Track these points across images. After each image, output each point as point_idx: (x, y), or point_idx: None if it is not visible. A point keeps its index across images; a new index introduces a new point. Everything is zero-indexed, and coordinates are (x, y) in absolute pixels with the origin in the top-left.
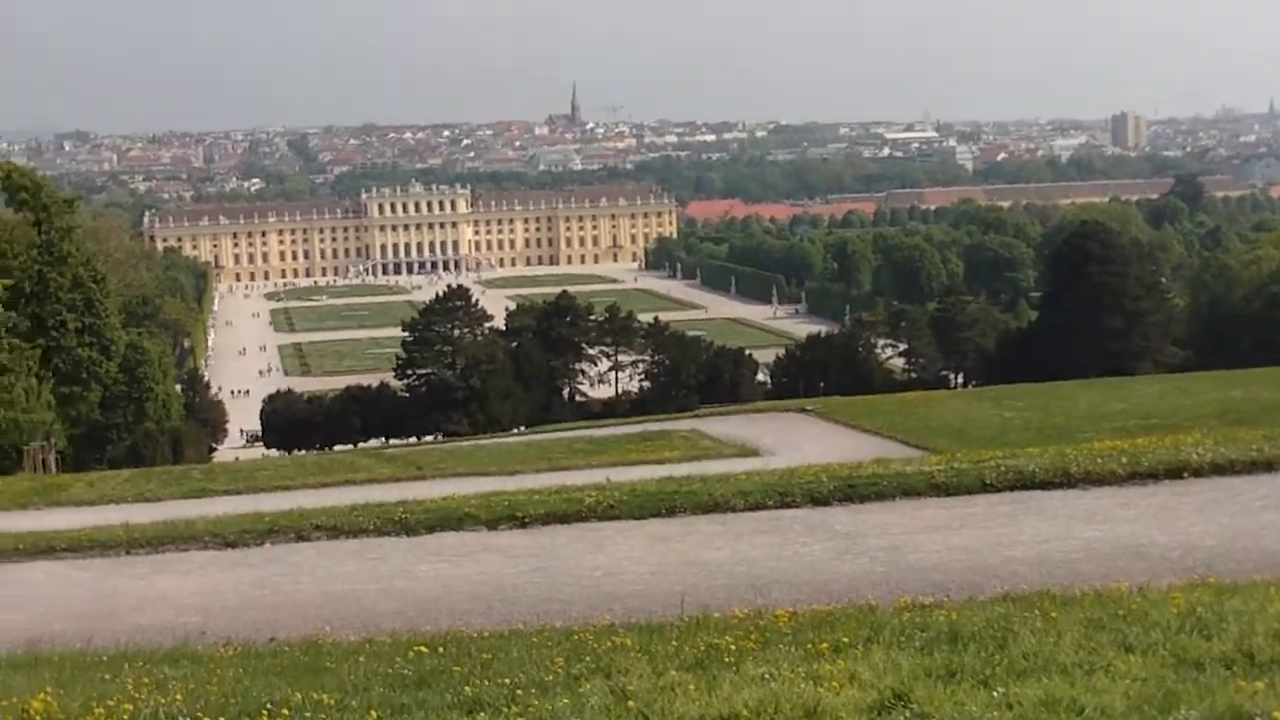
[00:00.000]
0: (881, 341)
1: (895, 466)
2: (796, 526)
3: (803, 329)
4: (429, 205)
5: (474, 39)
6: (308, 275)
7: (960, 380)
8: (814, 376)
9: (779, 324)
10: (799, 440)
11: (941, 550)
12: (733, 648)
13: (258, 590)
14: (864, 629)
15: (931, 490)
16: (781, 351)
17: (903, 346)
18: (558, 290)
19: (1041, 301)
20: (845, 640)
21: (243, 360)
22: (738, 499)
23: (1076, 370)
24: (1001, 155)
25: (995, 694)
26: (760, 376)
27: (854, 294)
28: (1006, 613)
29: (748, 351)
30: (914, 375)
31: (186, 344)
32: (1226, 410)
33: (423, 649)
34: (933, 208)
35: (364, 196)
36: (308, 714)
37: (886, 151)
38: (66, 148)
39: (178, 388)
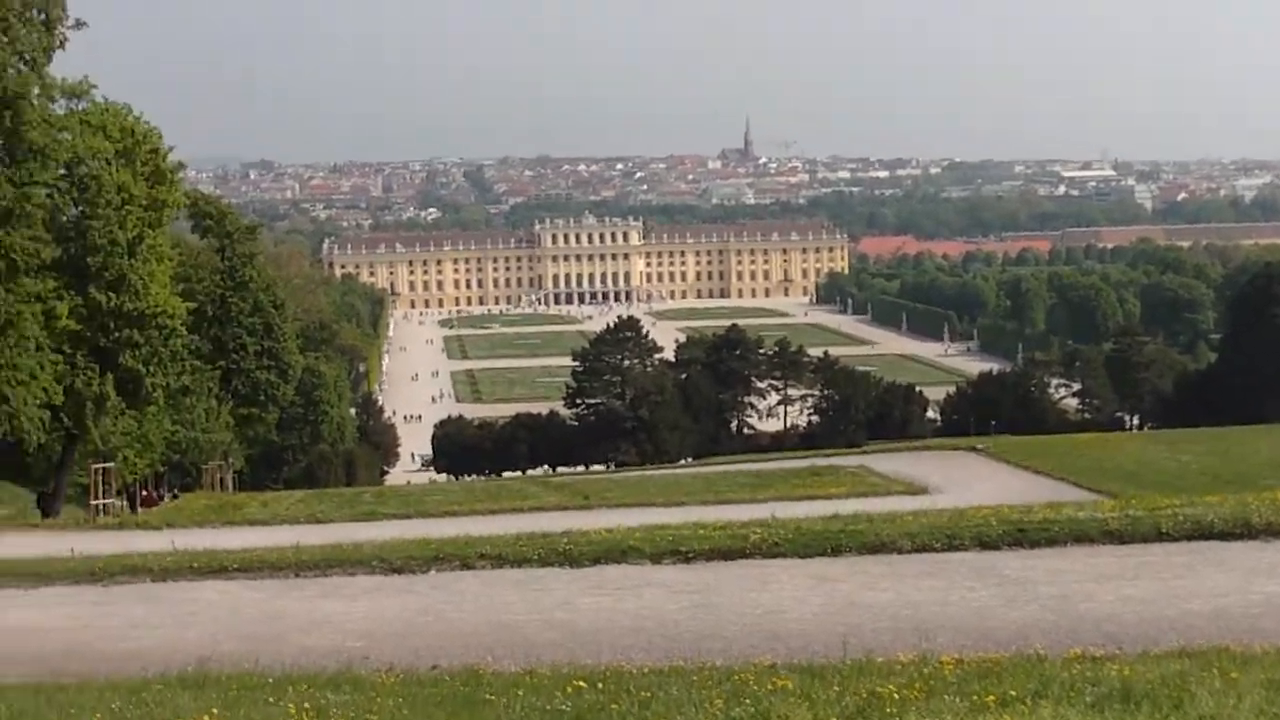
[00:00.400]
0: (1055, 381)
1: (1067, 511)
2: (964, 570)
3: (974, 366)
4: (601, 237)
5: (648, 74)
6: (481, 303)
7: (1136, 422)
8: (985, 415)
9: (950, 361)
10: (968, 479)
11: (1114, 600)
12: (895, 696)
13: (422, 617)
14: (1032, 681)
15: (1105, 537)
16: (952, 389)
17: (1077, 386)
18: (728, 323)
19: (1222, 344)
20: (1013, 693)
21: (415, 386)
22: (904, 540)
23: (1258, 415)
24: (1182, 195)
25: None
26: (930, 413)
27: (1027, 332)
28: (1183, 670)
29: (918, 388)
30: (1088, 416)
31: (361, 368)
32: None
33: (582, 684)
34: (1110, 247)
35: (537, 227)
36: None
37: (1063, 190)
38: (251, 176)
39: (352, 411)
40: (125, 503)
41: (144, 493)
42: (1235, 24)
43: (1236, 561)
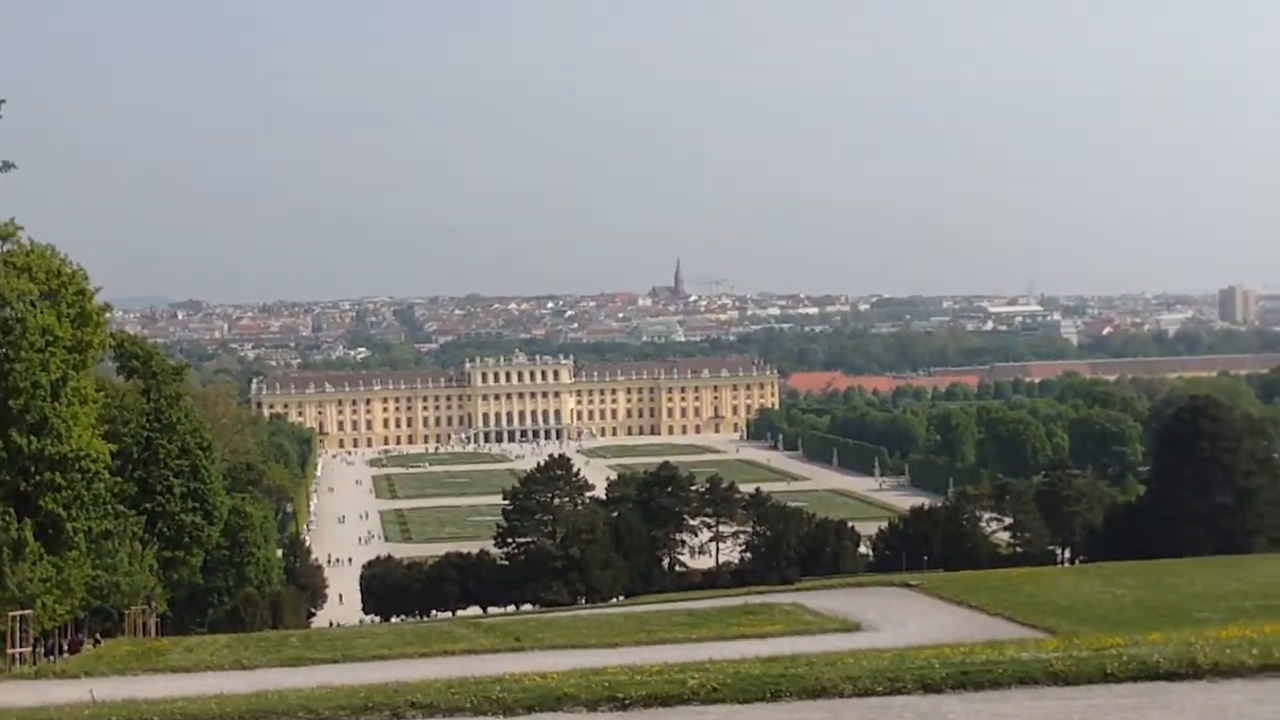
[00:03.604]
0: (986, 515)
1: (1010, 652)
2: (907, 715)
3: (906, 501)
4: (532, 375)
5: (579, 213)
6: (411, 442)
7: (1067, 556)
8: (917, 549)
9: (881, 496)
10: (903, 616)
11: None
12: None
13: None
14: None
15: (1049, 679)
16: (884, 524)
17: (1008, 520)
18: (659, 460)
19: (1150, 476)
20: None
21: (343, 527)
22: (845, 684)
23: (1188, 547)
24: (1107, 329)
25: None
26: (862, 549)
27: (958, 466)
28: None
29: (850, 523)
30: (1020, 550)
31: (289, 509)
32: None
33: None
34: (1037, 381)
35: (468, 366)
36: None
37: (990, 325)
38: (179, 316)
39: (279, 552)
40: (43, 650)
41: (71, 639)
42: (1157, 165)
43: (1184, 704)
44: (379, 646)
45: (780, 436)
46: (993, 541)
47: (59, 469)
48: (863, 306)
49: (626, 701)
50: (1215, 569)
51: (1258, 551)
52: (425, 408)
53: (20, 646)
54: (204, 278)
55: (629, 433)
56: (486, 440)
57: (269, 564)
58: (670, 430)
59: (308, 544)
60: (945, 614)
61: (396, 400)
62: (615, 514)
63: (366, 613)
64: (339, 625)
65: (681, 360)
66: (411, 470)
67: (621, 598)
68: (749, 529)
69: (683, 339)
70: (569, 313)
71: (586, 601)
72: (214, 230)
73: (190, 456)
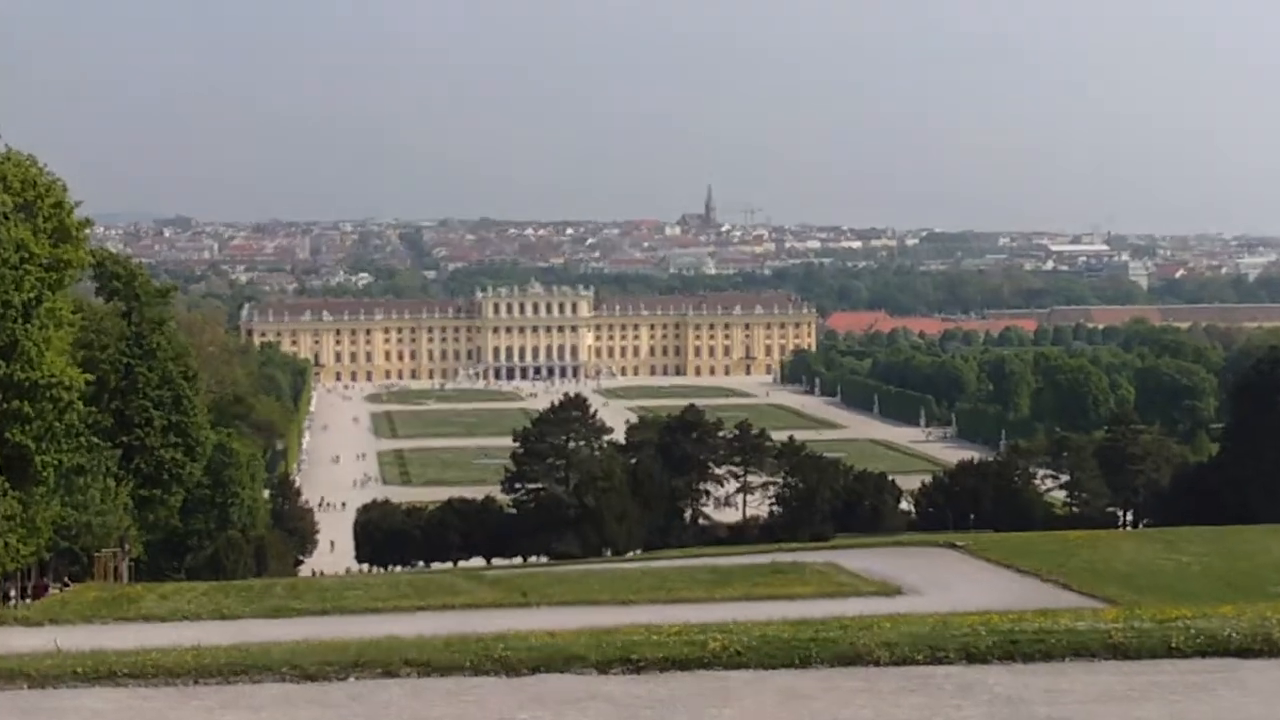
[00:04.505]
0: (1041, 472)
1: (1064, 621)
2: (949, 686)
3: (953, 455)
4: (548, 307)
5: (604, 133)
6: (414, 377)
7: (1129, 519)
8: (964, 507)
9: (926, 448)
10: (948, 579)
11: None
12: None
13: None
14: None
15: (1108, 652)
16: (928, 478)
17: (1065, 478)
18: (684, 403)
19: (1224, 434)
20: None
21: (337, 468)
22: (881, 650)
23: (1263, 513)
24: (1180, 272)
25: None
26: (904, 505)
27: (1011, 418)
28: None
29: (891, 477)
30: (1077, 511)
31: (279, 446)
32: None
33: None
34: (1101, 327)
35: (479, 295)
36: None
37: (1050, 265)
38: (166, 234)
39: (266, 494)
40: (14, 593)
41: (36, 582)
42: (1239, 93)
43: (1258, 683)
44: (372, 599)
45: (817, 381)
46: (1047, 501)
47: (28, 397)
48: (910, 241)
49: (641, 664)
50: None
51: None
52: (431, 340)
53: None
54: (193, 193)
55: (652, 372)
56: (497, 377)
57: (254, 506)
58: (697, 371)
59: (298, 485)
60: (993, 578)
61: (400, 331)
62: (634, 460)
63: (360, 561)
64: (323, 574)
65: (711, 295)
66: (414, 407)
67: (639, 552)
68: (780, 480)
69: (713, 272)
70: (590, 240)
71: (600, 555)
72: (205, 141)
73: (173, 386)
